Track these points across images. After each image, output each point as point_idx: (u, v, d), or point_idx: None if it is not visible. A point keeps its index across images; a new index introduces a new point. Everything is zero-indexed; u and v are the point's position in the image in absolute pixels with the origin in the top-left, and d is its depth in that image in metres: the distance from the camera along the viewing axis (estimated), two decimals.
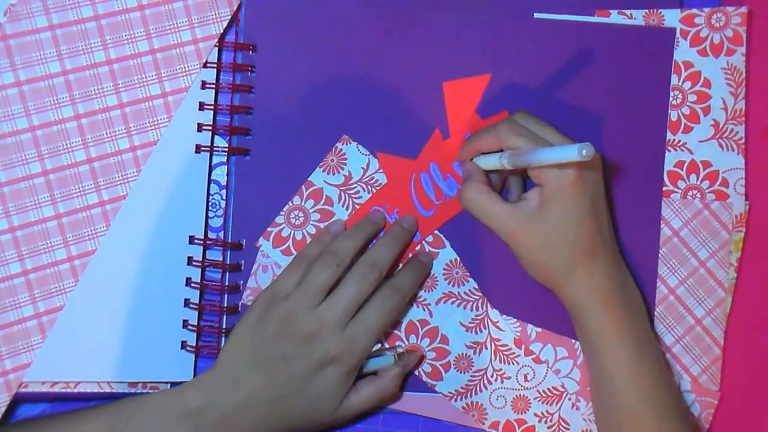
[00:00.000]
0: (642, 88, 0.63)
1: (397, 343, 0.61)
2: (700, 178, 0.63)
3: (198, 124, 0.59)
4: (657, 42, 0.63)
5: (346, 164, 0.61)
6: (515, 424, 0.62)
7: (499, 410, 0.62)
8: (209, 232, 0.60)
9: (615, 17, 0.63)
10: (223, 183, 0.60)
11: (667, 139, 0.63)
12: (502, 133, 0.55)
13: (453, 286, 0.61)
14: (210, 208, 0.60)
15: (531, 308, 0.62)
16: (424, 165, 0.61)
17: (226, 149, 0.60)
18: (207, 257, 0.59)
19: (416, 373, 0.61)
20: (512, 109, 0.61)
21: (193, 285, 0.59)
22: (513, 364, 0.62)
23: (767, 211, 0.64)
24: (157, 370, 0.58)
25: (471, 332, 0.61)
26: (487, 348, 0.62)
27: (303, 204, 0.61)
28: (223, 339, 0.60)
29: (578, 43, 0.62)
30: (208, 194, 0.60)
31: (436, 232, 0.61)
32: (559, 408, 0.62)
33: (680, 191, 0.63)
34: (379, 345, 0.61)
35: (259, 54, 0.60)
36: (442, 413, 0.62)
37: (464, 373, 0.61)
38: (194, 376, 0.59)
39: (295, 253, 0.60)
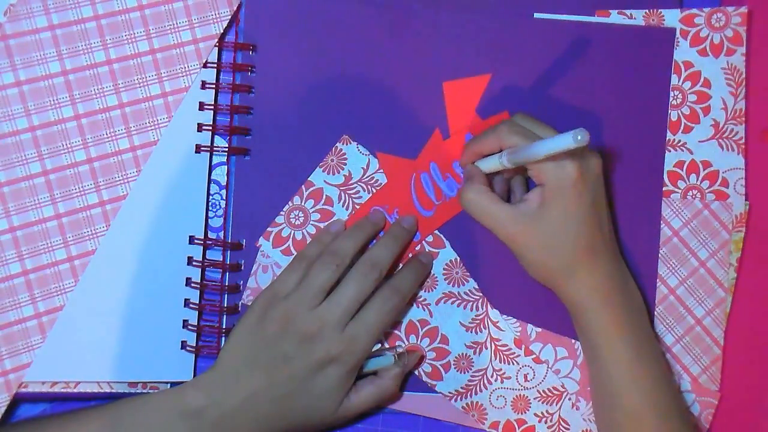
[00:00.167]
0: (642, 88, 0.63)
1: (397, 343, 0.61)
2: (700, 178, 0.63)
3: (198, 124, 0.59)
4: (657, 42, 0.63)
5: (346, 164, 0.61)
6: (515, 424, 0.62)
7: (499, 410, 0.62)
8: (209, 232, 0.60)
9: (615, 17, 0.63)
10: (223, 183, 0.60)
11: (667, 139, 0.63)
12: (501, 133, 0.55)
13: (453, 286, 0.61)
14: (210, 208, 0.60)
15: (531, 308, 0.62)
16: (424, 165, 0.61)
17: (226, 149, 0.60)
18: (207, 257, 0.59)
19: (416, 373, 0.61)
20: (512, 109, 0.61)
21: (193, 285, 0.59)
22: (513, 364, 0.62)
23: (767, 211, 0.64)
24: (157, 370, 0.58)
25: (471, 332, 0.61)
26: (487, 348, 0.62)
27: (303, 204, 0.61)
28: (223, 339, 0.60)
29: (578, 43, 0.62)
30: (208, 194, 0.60)
31: (436, 232, 0.61)
32: (559, 408, 0.62)
33: (680, 191, 0.63)
34: (379, 345, 0.61)
35: (259, 54, 0.60)
36: (442, 413, 0.62)
37: (464, 373, 0.61)
38: (194, 376, 0.59)
39: (295, 253, 0.60)
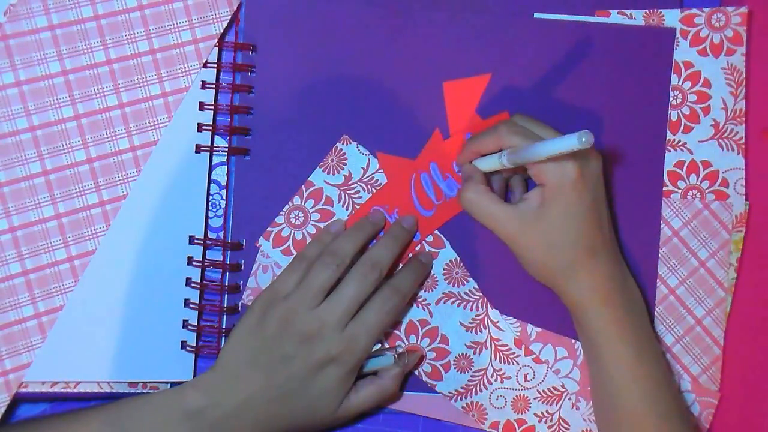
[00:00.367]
0: (642, 88, 0.63)
1: (397, 343, 0.61)
2: (700, 178, 0.63)
3: (198, 124, 0.59)
4: (657, 42, 0.63)
5: (346, 164, 0.61)
6: (515, 424, 0.62)
7: (499, 410, 0.62)
8: (209, 232, 0.60)
9: (615, 17, 0.63)
10: (223, 183, 0.60)
11: (667, 139, 0.63)
12: (501, 133, 0.55)
13: (453, 286, 0.61)
14: (210, 208, 0.60)
15: (531, 308, 0.62)
16: (424, 165, 0.61)
17: (226, 149, 0.60)
18: (207, 257, 0.59)
19: (416, 373, 0.61)
20: (512, 109, 0.61)
21: (193, 285, 0.59)
22: (513, 364, 0.62)
23: (767, 211, 0.64)
24: (157, 370, 0.58)
25: (471, 332, 0.61)
26: (487, 348, 0.62)
27: (303, 204, 0.61)
28: (223, 339, 0.60)
29: (578, 43, 0.62)
30: (208, 194, 0.60)
31: (436, 232, 0.61)
32: (559, 408, 0.62)
33: (680, 191, 0.63)
34: (379, 345, 0.61)
35: (259, 54, 0.60)
36: (442, 413, 0.62)
37: (464, 373, 0.61)
38: (194, 376, 0.59)
39: (295, 253, 0.60)
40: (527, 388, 0.62)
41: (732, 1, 0.64)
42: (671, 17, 0.63)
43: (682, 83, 0.63)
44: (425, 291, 0.61)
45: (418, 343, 0.61)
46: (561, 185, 0.53)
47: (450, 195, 0.61)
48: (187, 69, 0.59)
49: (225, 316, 0.60)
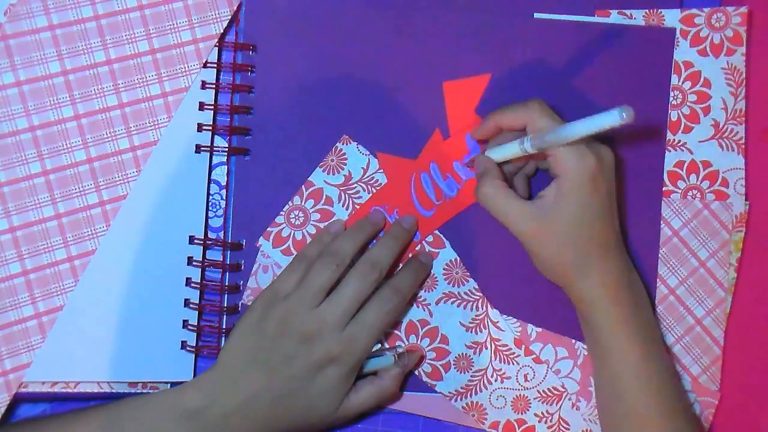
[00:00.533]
0: (642, 88, 0.63)
1: (397, 343, 0.61)
2: (700, 178, 0.63)
3: (198, 124, 0.59)
4: (657, 42, 0.63)
5: (346, 164, 0.61)
6: (515, 424, 0.62)
7: (499, 410, 0.62)
8: (209, 232, 0.60)
9: (615, 17, 0.63)
10: (223, 183, 0.60)
11: (667, 139, 0.63)
12: (533, 109, 0.54)
13: (453, 286, 0.61)
14: (210, 208, 0.60)
15: (531, 308, 0.62)
16: (424, 165, 0.61)
17: (226, 149, 0.60)
18: (207, 257, 0.59)
19: (416, 373, 0.61)
20: None
21: (193, 285, 0.59)
22: (513, 364, 0.62)
23: (767, 211, 0.64)
24: (157, 370, 0.58)
25: (471, 332, 0.61)
26: (487, 348, 0.62)
27: (303, 204, 0.61)
28: (223, 339, 0.60)
29: (578, 43, 0.62)
30: (208, 194, 0.60)
31: (436, 232, 0.61)
32: (559, 408, 0.62)
33: (680, 191, 0.63)
34: (379, 345, 0.61)
35: (259, 54, 0.60)
36: (442, 413, 0.62)
37: (464, 373, 0.61)
38: (194, 376, 0.59)
39: (295, 253, 0.60)
40: (527, 388, 0.62)
41: (732, 1, 0.64)
42: (671, 17, 0.63)
43: (682, 83, 0.63)
44: (425, 291, 0.61)
45: (418, 343, 0.61)
46: (580, 176, 0.53)
47: (450, 195, 0.61)
48: (187, 69, 0.59)
49: (225, 316, 0.60)
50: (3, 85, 0.56)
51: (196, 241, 0.59)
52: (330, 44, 0.61)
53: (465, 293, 0.61)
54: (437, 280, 0.61)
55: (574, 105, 0.62)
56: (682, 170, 0.63)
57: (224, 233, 0.60)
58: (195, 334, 0.59)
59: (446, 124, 0.62)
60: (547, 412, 0.62)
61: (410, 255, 0.61)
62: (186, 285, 0.59)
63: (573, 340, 0.62)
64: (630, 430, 0.56)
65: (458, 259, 0.61)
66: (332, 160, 0.61)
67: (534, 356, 0.62)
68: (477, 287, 0.62)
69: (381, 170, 0.61)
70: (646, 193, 0.63)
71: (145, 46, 0.58)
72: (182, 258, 0.59)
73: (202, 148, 0.59)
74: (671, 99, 0.63)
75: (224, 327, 0.60)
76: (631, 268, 0.58)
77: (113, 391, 0.58)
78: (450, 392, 0.61)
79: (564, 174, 0.53)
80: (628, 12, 0.63)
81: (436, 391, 0.61)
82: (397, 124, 0.61)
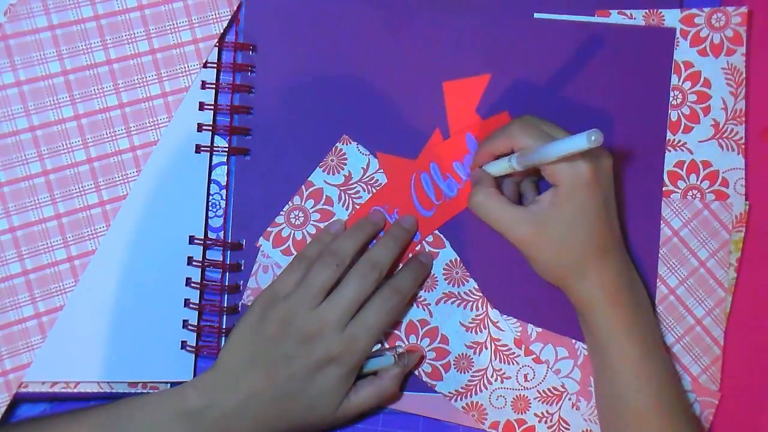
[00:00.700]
0: (642, 88, 0.63)
1: (397, 343, 0.61)
2: (700, 178, 0.63)
3: (198, 124, 0.59)
4: (657, 42, 0.63)
5: (346, 164, 0.61)
6: (515, 424, 0.62)
7: (499, 410, 0.62)
8: (209, 232, 0.60)
9: (615, 17, 0.63)
10: (223, 183, 0.60)
11: (667, 139, 0.63)
12: (513, 132, 0.55)
13: (453, 286, 0.61)
14: (210, 208, 0.60)
15: (531, 308, 0.62)
16: (424, 165, 0.61)
17: (226, 149, 0.60)
18: (207, 257, 0.59)
19: (416, 373, 0.61)
20: (512, 109, 0.61)
21: (193, 285, 0.59)
22: (513, 364, 0.62)
23: (767, 211, 0.64)
24: (157, 370, 0.58)
25: (471, 332, 0.61)
26: (487, 348, 0.62)
27: (303, 204, 0.61)
28: (223, 339, 0.60)
29: (578, 43, 0.62)
30: (208, 194, 0.60)
31: (436, 232, 0.61)
32: (559, 408, 0.62)
33: (680, 191, 0.63)
34: (379, 345, 0.61)
35: (259, 54, 0.60)
36: (442, 413, 0.62)
37: (464, 373, 0.61)
38: (194, 376, 0.59)
39: (295, 253, 0.60)
40: (527, 388, 0.62)
41: (732, 1, 0.64)
42: (671, 17, 0.63)
43: (682, 83, 0.63)
44: (425, 291, 0.61)
45: (418, 343, 0.61)
46: (575, 185, 0.53)
47: (450, 195, 0.61)
48: (187, 69, 0.59)
49: (225, 316, 0.60)
50: (3, 85, 0.56)
51: (196, 241, 0.59)
52: (330, 44, 0.61)
53: (465, 293, 0.61)
54: (437, 280, 0.61)
55: (573, 105, 0.62)
56: (682, 170, 0.63)
57: (224, 233, 0.60)
58: (195, 334, 0.59)
59: (446, 124, 0.62)
60: (547, 412, 0.62)
61: (410, 255, 0.61)
62: (186, 285, 0.59)
63: (573, 340, 0.62)
64: (630, 430, 0.56)
65: (458, 259, 0.61)
66: (332, 160, 0.61)
67: (534, 356, 0.62)
68: (477, 287, 0.62)
69: (381, 170, 0.61)
70: (646, 193, 0.63)
71: (145, 46, 0.58)
72: (182, 258, 0.59)
73: (202, 148, 0.59)
74: (671, 99, 0.63)
75: (224, 327, 0.60)
76: (630, 269, 0.58)
77: (113, 391, 0.58)
78: (450, 392, 0.61)
79: (559, 183, 0.54)
80: (628, 12, 0.63)
81: (436, 391, 0.61)
82: (397, 124, 0.61)
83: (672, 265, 0.63)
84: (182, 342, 0.59)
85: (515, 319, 0.62)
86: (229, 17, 0.59)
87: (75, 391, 0.57)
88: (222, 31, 0.59)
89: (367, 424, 0.62)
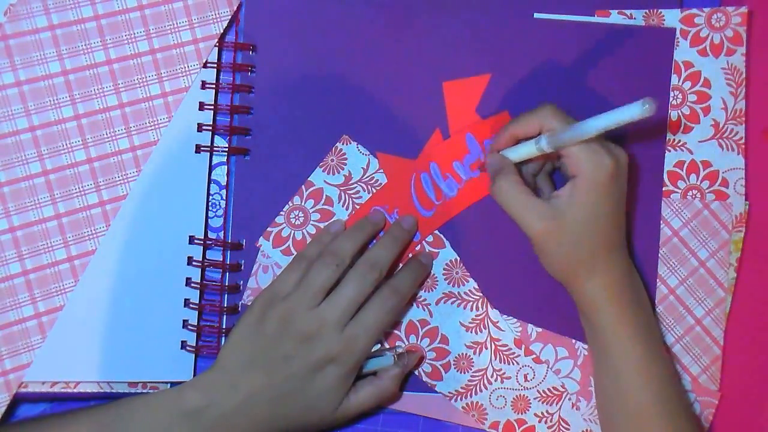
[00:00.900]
0: (642, 88, 0.63)
1: (397, 343, 0.61)
2: (700, 178, 0.63)
3: (198, 124, 0.59)
4: (657, 42, 0.63)
5: (346, 164, 0.61)
6: (515, 424, 0.62)
7: (499, 410, 0.62)
8: (209, 232, 0.60)
9: (615, 17, 0.63)
10: (223, 183, 0.60)
11: (667, 139, 0.63)
12: (545, 113, 0.54)
13: (453, 286, 0.61)
14: (210, 208, 0.60)
15: (531, 308, 0.62)
16: (424, 165, 0.61)
17: (226, 149, 0.60)
18: (207, 257, 0.59)
19: (416, 373, 0.61)
20: (512, 109, 0.61)
21: (193, 285, 0.59)
22: (513, 364, 0.62)
23: (767, 211, 0.64)
24: (157, 370, 0.58)
25: (471, 332, 0.61)
26: (487, 348, 0.62)
27: (303, 204, 0.61)
28: (223, 339, 0.60)
29: (578, 43, 0.62)
30: (208, 194, 0.60)
31: (436, 232, 0.61)
32: (559, 408, 0.62)
33: (680, 191, 0.63)
34: (379, 345, 0.61)
35: (259, 54, 0.60)
36: (442, 413, 0.62)
37: (464, 373, 0.61)
38: (194, 376, 0.59)
39: (295, 253, 0.60)
40: (527, 388, 0.62)
41: (732, 1, 0.64)
42: (671, 17, 0.63)
43: (682, 83, 0.63)
44: (425, 291, 0.61)
45: (418, 343, 0.61)
46: (596, 177, 0.53)
47: (450, 195, 0.61)
48: (187, 69, 0.59)
49: (225, 316, 0.60)
50: (3, 85, 0.56)
51: (196, 241, 0.59)
52: (330, 44, 0.61)
53: (465, 293, 0.61)
54: (437, 280, 0.61)
55: (573, 105, 0.62)
56: (682, 170, 0.63)
57: (224, 233, 0.60)
58: (195, 334, 0.59)
59: (446, 124, 0.62)
60: (547, 412, 0.62)
61: (410, 255, 0.61)
62: (186, 285, 0.59)
63: (573, 340, 0.62)
64: (630, 429, 0.56)
65: (458, 259, 0.61)
66: (332, 160, 0.61)
67: (534, 356, 0.62)
68: (477, 287, 0.62)
69: (381, 170, 0.61)
70: (646, 193, 0.63)
71: (145, 46, 0.58)
72: (182, 258, 0.59)
73: (202, 148, 0.59)
74: (671, 99, 0.63)
75: (224, 327, 0.60)
76: (632, 269, 0.58)
77: (113, 391, 0.58)
78: (450, 392, 0.61)
79: (580, 174, 0.53)
80: (628, 12, 0.63)
81: (436, 391, 0.61)
82: (397, 124, 0.61)
83: (672, 265, 0.63)
84: (182, 342, 0.59)
85: (515, 319, 0.62)
86: (229, 17, 0.59)
87: (75, 391, 0.57)
88: (222, 31, 0.59)
89: (367, 424, 0.62)
